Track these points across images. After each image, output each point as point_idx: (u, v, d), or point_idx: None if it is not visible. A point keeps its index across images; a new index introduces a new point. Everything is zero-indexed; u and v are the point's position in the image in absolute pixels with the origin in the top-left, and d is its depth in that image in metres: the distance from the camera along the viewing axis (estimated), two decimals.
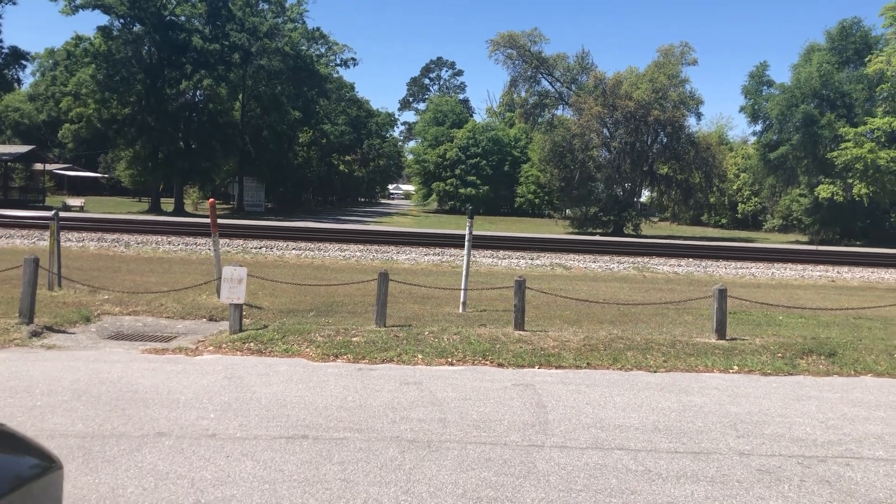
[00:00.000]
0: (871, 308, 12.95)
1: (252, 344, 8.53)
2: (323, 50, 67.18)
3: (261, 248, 21.66)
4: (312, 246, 22.45)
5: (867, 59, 44.18)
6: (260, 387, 6.77)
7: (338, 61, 69.24)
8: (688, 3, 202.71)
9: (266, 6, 55.87)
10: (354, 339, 8.84)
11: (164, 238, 22.47)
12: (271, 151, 55.94)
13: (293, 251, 21.26)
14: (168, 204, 53.90)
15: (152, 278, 14.04)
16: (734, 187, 64.39)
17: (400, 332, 9.22)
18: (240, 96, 54.74)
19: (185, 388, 6.59)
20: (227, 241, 21.94)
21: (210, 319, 10.17)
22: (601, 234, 44.69)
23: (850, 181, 42.73)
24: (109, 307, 10.52)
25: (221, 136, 51.00)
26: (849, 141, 42.65)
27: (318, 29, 64.00)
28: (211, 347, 8.45)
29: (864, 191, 42.05)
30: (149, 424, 5.54)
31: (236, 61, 49.52)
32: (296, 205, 68.50)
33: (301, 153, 65.67)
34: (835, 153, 43.02)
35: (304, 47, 59.51)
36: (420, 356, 8.23)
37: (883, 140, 43.09)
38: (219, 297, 10.16)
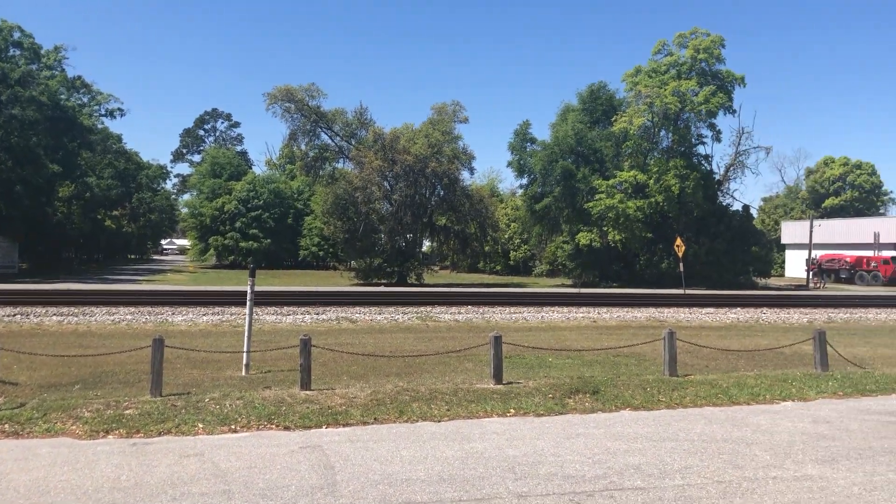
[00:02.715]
0: (627, 346, 14.34)
1: (7, 425, 7.67)
2: (86, 99, 62.98)
3: (14, 315, 19.52)
4: (76, 310, 20.63)
5: (613, 119, 49.50)
6: (17, 473, 6.11)
7: (103, 111, 65.26)
8: (459, 63, 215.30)
9: (18, 52, 51.43)
10: (127, 411, 8.26)
11: None
12: (25, 207, 50.85)
13: (54, 317, 19.39)
14: None
15: None
16: (506, 236, 68.44)
17: (178, 400, 8.75)
18: None
19: None
20: None
21: None
22: (386, 285, 45.39)
23: (605, 229, 47.22)
24: None
25: None
26: (602, 192, 47.26)
27: (79, 77, 60.06)
28: None
29: (617, 237, 46.66)
30: None
31: None
32: (56, 265, 62.57)
33: (61, 209, 60.34)
34: (590, 204, 47.39)
35: (63, 96, 55.40)
36: (201, 425, 7.85)
37: (630, 191, 48.26)
38: None
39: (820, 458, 6.95)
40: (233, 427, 7.88)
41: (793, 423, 8.47)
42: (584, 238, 48.12)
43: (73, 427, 7.71)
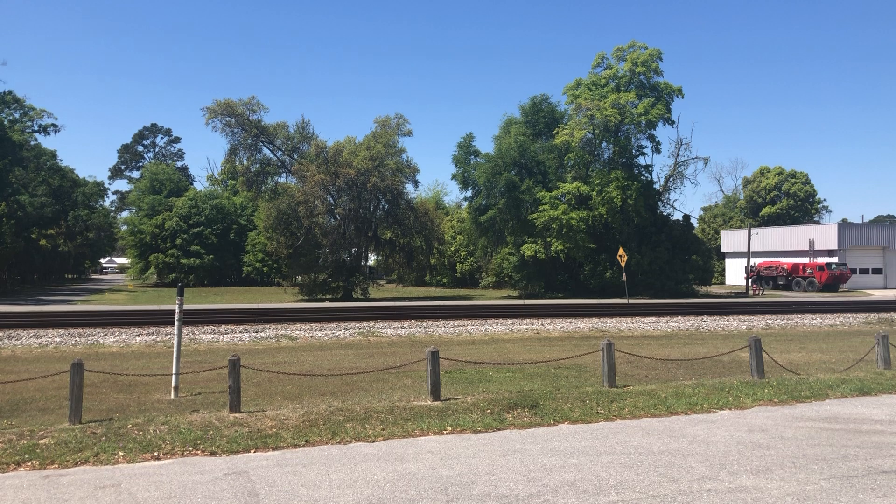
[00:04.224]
0: (569, 358, 14.30)
1: None
2: (17, 115, 60.92)
3: None
4: (1, 334, 19.73)
5: (555, 131, 50.03)
6: None
7: (35, 127, 63.19)
8: (403, 77, 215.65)
9: None
10: (42, 441, 7.80)
11: None
12: None
13: None
14: None
15: None
16: (452, 249, 68.45)
17: (99, 427, 8.32)
18: None
19: None
20: None
21: None
22: (331, 300, 44.86)
23: (549, 240, 47.57)
24: None
25: None
26: (545, 204, 47.64)
27: (10, 92, 58.15)
28: None
29: (560, 248, 47.05)
30: None
31: None
32: None
33: None
34: (535, 215, 47.72)
35: None
36: (121, 453, 7.45)
37: (573, 202, 48.76)
38: None
39: (755, 468, 6.93)
40: (156, 454, 7.49)
41: (729, 432, 8.46)
42: (528, 249, 48.37)
43: None
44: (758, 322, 25.92)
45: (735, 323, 25.55)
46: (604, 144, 51.22)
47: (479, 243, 55.81)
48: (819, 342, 19.55)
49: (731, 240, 74.44)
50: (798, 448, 7.69)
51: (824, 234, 64.57)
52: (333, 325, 23.16)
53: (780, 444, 7.89)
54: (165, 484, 6.44)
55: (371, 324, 23.58)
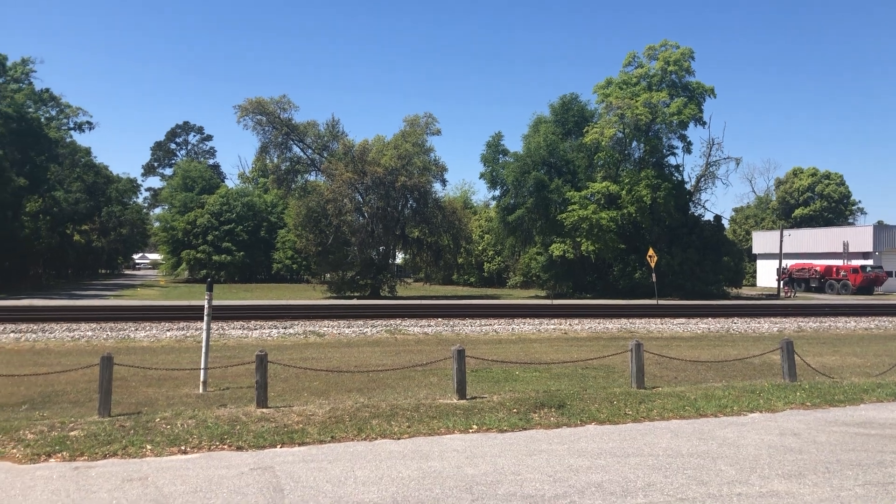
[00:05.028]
0: (597, 358, 14.17)
1: None
2: (54, 112, 62.00)
3: None
4: (35, 327, 20.07)
5: (585, 130, 49.65)
6: None
7: (71, 124, 64.27)
8: (433, 76, 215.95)
9: None
10: (72, 433, 7.90)
11: None
12: None
13: (11, 334, 18.82)
14: None
15: None
16: (479, 248, 68.33)
17: (127, 420, 8.40)
18: None
19: None
20: None
21: None
22: (359, 298, 45.02)
23: (578, 239, 47.24)
24: None
25: None
26: (575, 203, 47.31)
27: (47, 90, 59.09)
28: None
29: (590, 248, 46.69)
30: None
31: None
32: (23, 280, 61.32)
33: (28, 224, 59.22)
34: (563, 215, 47.42)
35: (31, 109, 54.50)
36: (149, 447, 7.51)
37: (602, 202, 48.37)
38: None
39: (787, 472, 6.79)
40: (183, 448, 7.54)
41: (760, 435, 8.31)
42: (557, 249, 48.09)
43: (14, 451, 7.34)
44: (789, 324, 25.50)
45: (766, 325, 25.15)
46: (634, 144, 50.71)
47: (506, 243, 55.60)
48: (853, 346, 19.17)
49: (762, 241, 73.40)
50: (832, 453, 7.52)
51: (859, 236, 63.37)
52: (361, 322, 23.22)
53: (813, 448, 7.72)
54: (192, 478, 6.48)
55: (398, 321, 23.60)
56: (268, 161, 54.02)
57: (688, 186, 53.25)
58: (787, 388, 11.26)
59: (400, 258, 63.26)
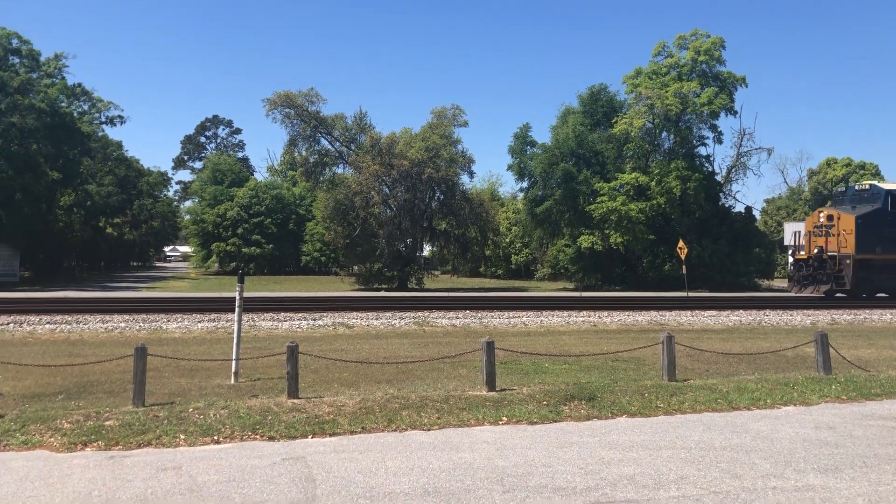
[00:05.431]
0: (627, 350, 14.07)
1: None
2: (86, 107, 62.88)
3: (8, 323, 19.30)
4: (70, 318, 20.41)
5: (614, 121, 49.22)
6: None
7: (103, 119, 65.15)
8: (460, 67, 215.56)
9: (17, 60, 51.35)
10: (107, 422, 8.01)
11: None
12: (26, 216, 50.75)
13: (47, 325, 19.17)
14: None
15: None
16: (507, 240, 68.12)
17: (161, 411, 8.50)
18: None
19: None
20: None
21: None
22: (386, 290, 45.19)
23: (606, 231, 46.93)
24: None
25: None
26: (604, 195, 46.98)
27: (79, 85, 59.91)
28: None
29: (619, 240, 46.36)
30: None
31: None
32: (58, 273, 62.49)
33: (62, 216, 60.28)
34: (592, 206, 47.12)
35: (63, 104, 55.33)
36: (182, 436, 7.60)
37: (632, 193, 47.98)
38: None
39: (822, 466, 6.68)
40: (216, 438, 7.62)
41: (794, 428, 8.19)
42: (585, 241, 47.80)
43: (51, 439, 7.47)
44: (823, 317, 25.09)
45: (799, 318, 24.78)
46: (664, 134, 50.19)
47: (534, 235, 55.41)
48: (889, 339, 18.81)
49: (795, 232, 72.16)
50: (869, 447, 7.39)
51: None
52: (389, 314, 23.28)
53: (850, 442, 7.59)
54: (225, 468, 6.54)
55: (426, 313, 23.62)
56: (296, 154, 54.36)
57: (718, 177, 52.62)
58: (821, 381, 11.08)
59: (427, 250, 63.32)
